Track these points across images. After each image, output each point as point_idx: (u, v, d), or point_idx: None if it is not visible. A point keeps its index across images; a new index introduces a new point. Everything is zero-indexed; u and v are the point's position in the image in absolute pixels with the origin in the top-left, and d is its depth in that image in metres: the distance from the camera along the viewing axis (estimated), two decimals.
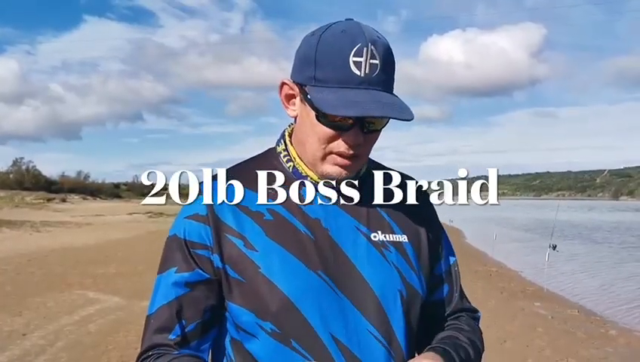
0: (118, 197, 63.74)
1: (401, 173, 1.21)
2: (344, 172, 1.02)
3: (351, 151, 1.00)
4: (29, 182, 52.82)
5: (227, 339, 1.05)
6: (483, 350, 1.15)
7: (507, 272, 13.44)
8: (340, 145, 0.99)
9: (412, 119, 0.97)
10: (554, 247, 11.22)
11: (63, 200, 45.11)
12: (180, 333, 1.02)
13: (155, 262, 1.10)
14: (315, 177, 1.06)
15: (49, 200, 43.07)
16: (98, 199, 55.95)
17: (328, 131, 0.99)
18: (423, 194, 1.20)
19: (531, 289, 10.95)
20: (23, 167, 56.47)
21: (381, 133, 1.05)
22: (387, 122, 1.02)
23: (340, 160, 1.01)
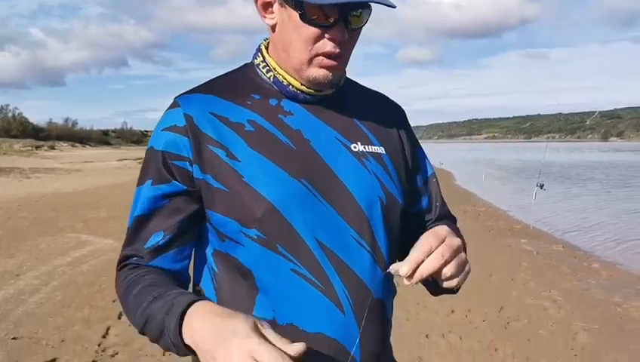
0: (108, 144, 63.23)
1: (378, 92, 1.23)
2: (330, 74, 1.02)
3: (337, 50, 0.99)
4: (16, 129, 52.07)
5: (209, 251, 1.06)
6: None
7: (495, 211, 13.66)
8: (325, 44, 0.99)
9: (395, 7, 0.98)
10: (541, 186, 11.32)
11: (52, 148, 44.70)
12: (155, 244, 1.03)
13: None
14: (298, 84, 1.05)
15: (37, 147, 42.65)
16: (87, 146, 55.46)
17: (313, 31, 0.98)
18: (399, 111, 1.23)
19: (518, 227, 11.16)
20: (9, 115, 55.57)
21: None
22: (366, 21, 1.02)
23: (326, 61, 1.00)
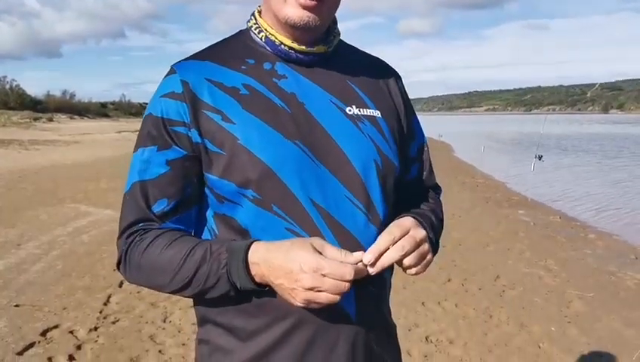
0: (106, 116, 62.88)
1: (375, 56, 1.23)
2: (306, 14, 1.01)
3: None
4: (14, 101, 51.68)
5: (209, 213, 1.08)
6: (443, 217, 1.23)
7: (493, 183, 13.69)
8: None
9: None
10: (540, 158, 11.36)
11: (50, 120, 44.43)
12: (161, 211, 1.04)
13: None
14: (289, 42, 1.06)
15: (36, 119, 42.36)
16: (85, 118, 55.18)
17: None
18: (395, 76, 1.23)
19: (516, 198, 11.20)
20: (7, 86, 55.12)
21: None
22: None
23: (303, 1, 0.99)
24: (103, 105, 73.15)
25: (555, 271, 5.76)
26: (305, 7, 1.00)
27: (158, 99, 1.05)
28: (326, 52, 1.10)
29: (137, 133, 1.10)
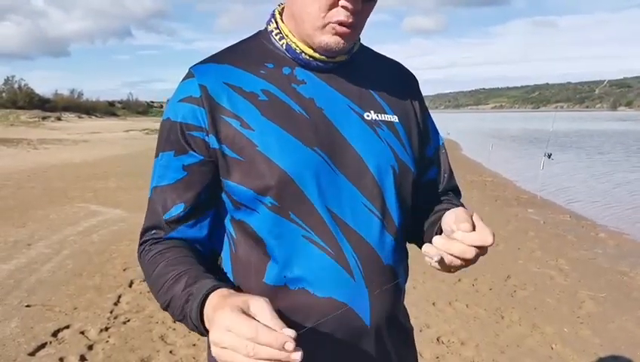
0: (114, 115, 63.10)
1: (392, 59, 1.22)
2: (342, 42, 1.01)
3: (350, 19, 0.98)
4: (22, 100, 51.90)
5: (227, 219, 1.08)
6: None
7: (502, 181, 13.63)
8: (339, 13, 0.98)
9: None
10: (549, 156, 11.28)
11: (58, 119, 44.63)
12: (176, 215, 1.04)
13: None
14: (310, 51, 1.05)
15: (44, 118, 42.57)
16: (93, 117, 55.37)
17: None
18: (412, 79, 1.23)
19: (525, 197, 11.14)
20: (15, 86, 55.33)
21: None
22: None
23: (339, 28, 0.99)
24: (111, 103, 73.36)
25: (567, 271, 5.72)
26: (340, 35, 1.00)
27: (176, 104, 1.04)
28: (346, 60, 1.09)
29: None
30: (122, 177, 12.33)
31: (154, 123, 42.99)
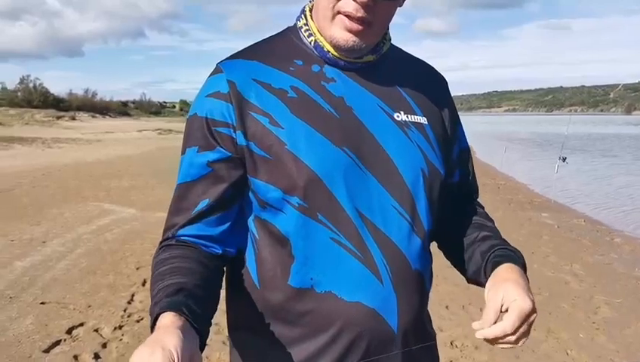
0: (127, 115, 63.48)
1: (422, 60, 1.21)
2: (352, 38, 0.98)
3: (359, 14, 0.96)
4: (37, 100, 52.44)
5: (250, 218, 1.06)
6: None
7: (515, 185, 13.54)
8: (347, 4, 0.96)
9: None
10: (564, 159, 11.15)
11: (73, 118, 44.98)
12: (200, 210, 1.02)
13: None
14: (336, 52, 1.03)
15: (58, 117, 42.96)
16: (107, 117, 55.76)
17: None
18: (442, 81, 1.21)
19: (539, 200, 11.06)
20: (30, 85, 55.91)
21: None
22: None
23: (348, 23, 0.97)
24: (124, 103, 73.83)
25: (582, 276, 5.66)
26: (350, 31, 0.98)
27: (203, 99, 1.02)
28: (375, 60, 1.07)
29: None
30: (135, 176, 12.39)
31: (166, 123, 43.21)
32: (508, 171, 16.11)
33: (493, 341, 0.94)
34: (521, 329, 0.93)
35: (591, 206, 10.72)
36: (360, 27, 0.98)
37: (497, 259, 1.05)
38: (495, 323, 0.93)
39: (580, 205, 10.73)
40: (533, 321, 0.95)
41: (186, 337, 0.79)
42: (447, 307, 4.54)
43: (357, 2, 0.95)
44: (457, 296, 4.82)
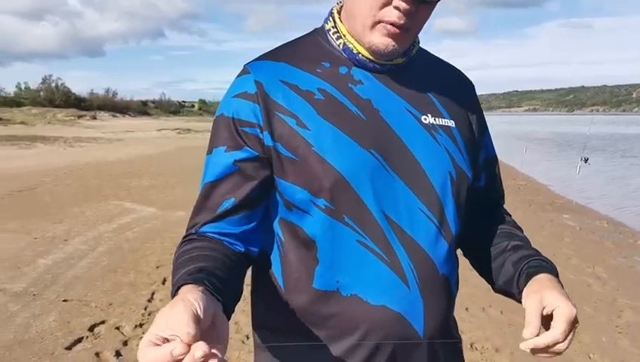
0: (147, 114, 64.14)
1: (450, 63, 1.20)
2: (392, 43, 0.98)
3: (402, 21, 0.95)
4: (59, 99, 53.27)
5: (276, 220, 1.05)
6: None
7: (536, 186, 13.38)
8: (390, 13, 0.95)
9: None
10: (586, 160, 11.00)
11: (94, 118, 45.58)
12: (226, 208, 1.02)
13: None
14: (367, 53, 1.03)
15: (80, 117, 43.58)
16: (127, 116, 56.41)
17: None
18: (470, 86, 1.20)
19: (560, 201, 10.92)
20: (52, 85, 56.80)
21: None
22: None
23: (389, 28, 0.96)
24: (144, 103, 74.60)
25: (604, 279, 5.58)
26: (390, 35, 0.98)
27: (231, 99, 1.03)
28: (404, 63, 1.07)
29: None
30: (155, 176, 12.50)
31: (185, 122, 43.55)
32: (528, 172, 15.93)
33: (542, 350, 0.91)
34: (569, 337, 0.91)
35: (613, 207, 10.55)
36: (400, 32, 0.98)
37: (532, 269, 1.03)
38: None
39: (602, 206, 10.57)
40: (576, 328, 0.94)
41: (208, 297, 0.77)
42: (467, 309, 4.50)
43: (400, 11, 0.95)
44: (478, 298, 4.77)
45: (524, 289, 1.01)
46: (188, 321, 0.68)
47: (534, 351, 0.92)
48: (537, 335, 0.91)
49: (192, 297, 0.73)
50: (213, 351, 0.67)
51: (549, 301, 0.93)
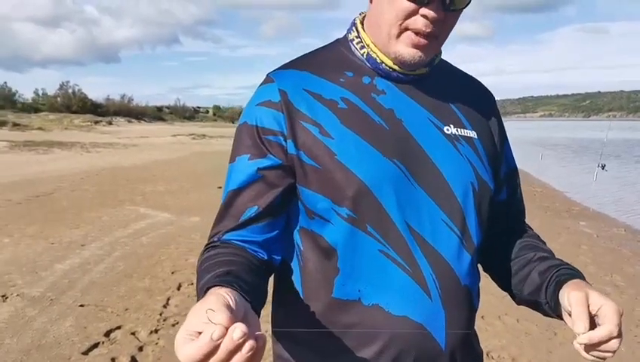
0: (162, 119, 64.63)
1: (471, 75, 1.20)
2: (418, 53, 0.98)
3: (429, 29, 0.95)
4: (76, 105, 53.91)
5: (296, 228, 1.06)
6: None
7: (552, 192, 13.25)
8: (417, 21, 0.95)
9: None
10: (603, 167, 10.90)
11: (110, 123, 46.03)
12: (249, 216, 1.02)
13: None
14: (390, 63, 1.03)
15: (96, 122, 44.05)
16: (142, 122, 56.85)
17: (407, 5, 0.95)
18: (490, 97, 1.20)
19: (577, 208, 10.80)
20: (69, 91, 57.50)
21: None
22: (469, 2, 0.97)
23: (415, 38, 0.96)
24: (159, 108, 75.18)
25: (622, 288, 5.50)
26: (417, 46, 0.98)
27: (254, 108, 1.03)
28: (427, 73, 1.07)
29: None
30: (170, 181, 12.58)
31: (200, 128, 43.77)
32: (545, 178, 15.79)
33: (595, 346, 0.87)
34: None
35: (632, 215, 10.40)
36: (426, 42, 0.98)
37: (564, 277, 1.01)
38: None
39: (619, 214, 10.43)
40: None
41: (239, 294, 0.78)
42: (482, 317, 4.46)
43: (428, 19, 0.94)
44: (493, 306, 4.73)
45: (563, 288, 0.96)
46: (222, 308, 0.68)
47: (587, 348, 0.87)
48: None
49: (223, 291, 0.75)
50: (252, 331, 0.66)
51: (593, 300, 0.89)
